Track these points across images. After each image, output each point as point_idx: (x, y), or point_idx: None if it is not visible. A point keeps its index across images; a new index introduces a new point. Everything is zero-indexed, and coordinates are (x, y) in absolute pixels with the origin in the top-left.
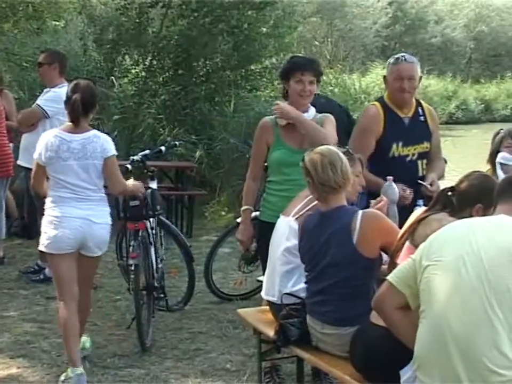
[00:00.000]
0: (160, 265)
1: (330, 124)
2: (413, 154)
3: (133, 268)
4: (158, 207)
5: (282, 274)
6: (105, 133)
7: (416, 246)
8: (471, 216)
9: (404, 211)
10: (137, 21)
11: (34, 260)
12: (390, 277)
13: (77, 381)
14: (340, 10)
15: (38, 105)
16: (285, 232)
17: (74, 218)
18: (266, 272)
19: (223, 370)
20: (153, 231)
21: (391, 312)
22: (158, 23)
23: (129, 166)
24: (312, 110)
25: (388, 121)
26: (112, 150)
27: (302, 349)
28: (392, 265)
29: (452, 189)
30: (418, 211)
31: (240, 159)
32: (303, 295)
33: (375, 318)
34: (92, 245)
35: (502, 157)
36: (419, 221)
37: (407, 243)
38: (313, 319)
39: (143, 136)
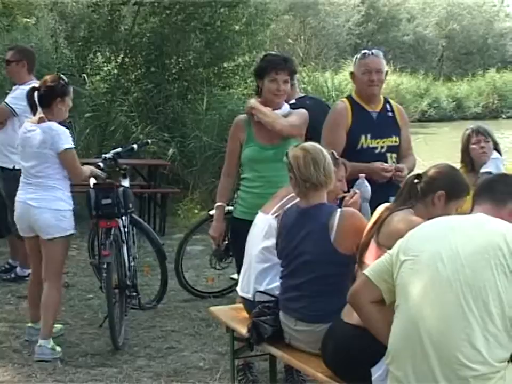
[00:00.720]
0: (132, 264)
1: (294, 114)
2: (382, 147)
3: (105, 266)
4: (130, 205)
5: (259, 272)
6: (78, 131)
7: (380, 245)
8: (432, 203)
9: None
10: (109, 18)
11: (5, 258)
12: (366, 271)
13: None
14: (312, 8)
15: (6, 103)
16: (264, 230)
17: (18, 202)
18: (242, 269)
19: (196, 369)
20: (126, 229)
21: (366, 306)
22: (130, 20)
23: (101, 164)
24: (285, 106)
25: (356, 115)
26: (64, 144)
27: (274, 347)
28: (360, 264)
29: (418, 176)
30: (381, 207)
31: (213, 157)
32: (277, 293)
33: (346, 316)
34: (37, 228)
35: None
36: (384, 219)
37: (372, 241)
38: (286, 315)
39: (115, 134)
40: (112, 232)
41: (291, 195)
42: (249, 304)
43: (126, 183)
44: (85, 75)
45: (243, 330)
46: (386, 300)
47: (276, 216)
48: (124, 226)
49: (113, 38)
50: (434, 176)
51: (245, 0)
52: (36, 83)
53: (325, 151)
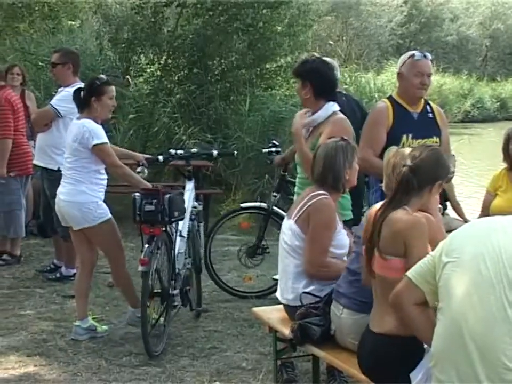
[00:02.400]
0: (183, 271)
1: (330, 129)
2: None
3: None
4: (176, 213)
5: (294, 276)
6: (122, 132)
7: (382, 252)
8: (430, 194)
9: None
10: (152, 20)
11: (50, 258)
12: (408, 273)
13: None
14: (354, 8)
15: (51, 105)
16: (289, 235)
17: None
18: (279, 274)
19: (239, 369)
20: (178, 236)
21: (409, 308)
22: (173, 22)
23: (160, 157)
24: (324, 111)
25: (397, 115)
26: (94, 140)
27: (317, 347)
28: (370, 271)
29: (410, 169)
30: (373, 209)
31: (255, 158)
32: (318, 294)
33: (375, 326)
34: (68, 221)
35: None
36: (380, 223)
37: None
38: (335, 302)
39: (158, 135)
40: (155, 239)
41: (310, 195)
42: (290, 309)
43: (190, 185)
44: (128, 77)
45: (286, 330)
46: (430, 302)
47: (296, 221)
48: (173, 234)
49: (156, 39)
50: (426, 167)
51: (287, 1)
52: (80, 85)
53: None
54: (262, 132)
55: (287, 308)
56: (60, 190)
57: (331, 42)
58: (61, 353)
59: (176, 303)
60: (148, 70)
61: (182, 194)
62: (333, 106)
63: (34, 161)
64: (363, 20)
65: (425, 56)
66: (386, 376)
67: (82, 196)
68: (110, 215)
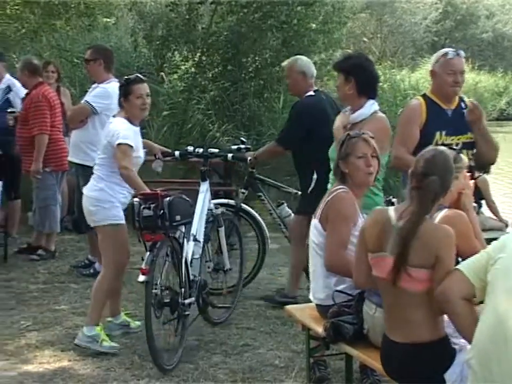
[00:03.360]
0: (197, 279)
1: (371, 129)
2: (457, 144)
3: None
4: (178, 217)
5: (325, 275)
6: (156, 128)
7: (414, 265)
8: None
9: None
10: (186, 17)
11: (85, 254)
12: (461, 267)
13: None
14: (389, 5)
15: (87, 101)
16: (315, 234)
17: None
18: (310, 274)
19: (271, 366)
20: (192, 240)
21: (457, 302)
22: (207, 19)
23: (176, 153)
24: (366, 109)
25: (430, 112)
26: (119, 139)
27: (351, 346)
28: (392, 282)
29: (437, 179)
30: (378, 215)
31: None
32: (350, 292)
33: (394, 334)
34: (86, 216)
35: None
36: (413, 233)
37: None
38: (368, 302)
39: (192, 132)
40: (157, 246)
41: (330, 191)
42: (322, 308)
43: (204, 186)
44: (163, 74)
45: (319, 329)
46: (479, 297)
47: (319, 219)
48: (183, 238)
49: (190, 36)
50: (448, 175)
51: None
52: (115, 81)
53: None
54: None
55: (320, 307)
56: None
57: (365, 39)
58: None
59: (188, 313)
60: (182, 67)
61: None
62: (374, 105)
63: (69, 158)
64: (398, 17)
65: (458, 54)
66: (420, 381)
67: (100, 193)
68: (123, 222)
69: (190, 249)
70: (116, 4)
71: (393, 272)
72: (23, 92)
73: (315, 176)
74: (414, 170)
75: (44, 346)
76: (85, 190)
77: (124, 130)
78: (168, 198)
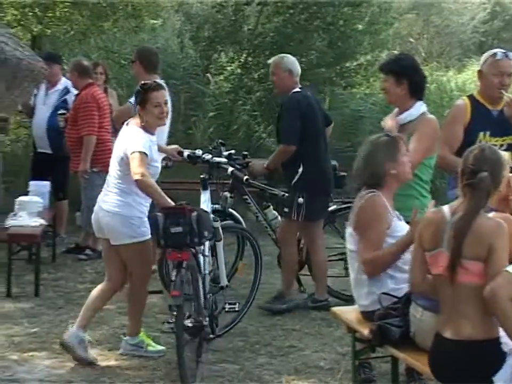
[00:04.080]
0: (210, 294)
1: (421, 130)
2: (501, 145)
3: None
4: (206, 233)
5: (367, 281)
6: (201, 129)
7: (467, 257)
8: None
9: None
10: (233, 18)
11: None
12: (510, 269)
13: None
14: (436, 6)
15: (131, 102)
16: (350, 241)
17: (97, 202)
18: (351, 282)
19: (317, 368)
20: (207, 258)
21: (505, 303)
22: (253, 20)
23: (185, 154)
24: (415, 109)
25: (475, 112)
26: (132, 147)
27: (397, 349)
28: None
29: (488, 175)
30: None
31: (335, 157)
32: (395, 294)
33: (450, 333)
34: (106, 233)
35: None
36: (467, 229)
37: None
38: (415, 305)
39: (238, 132)
40: (184, 265)
41: (358, 196)
42: (367, 315)
43: (205, 195)
44: (208, 75)
45: (365, 331)
46: None
47: (354, 227)
48: (203, 255)
49: (236, 37)
50: (499, 171)
51: None
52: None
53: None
54: (341, 131)
55: (365, 314)
56: (102, 198)
57: (412, 40)
58: None
59: (212, 336)
60: (228, 68)
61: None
62: (423, 106)
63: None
64: (445, 17)
65: (507, 56)
66: (468, 382)
67: (128, 209)
68: (150, 235)
69: (206, 266)
70: (163, 6)
71: (449, 266)
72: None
73: (301, 169)
74: (464, 167)
75: (91, 345)
76: (107, 205)
77: (137, 139)
78: (195, 213)
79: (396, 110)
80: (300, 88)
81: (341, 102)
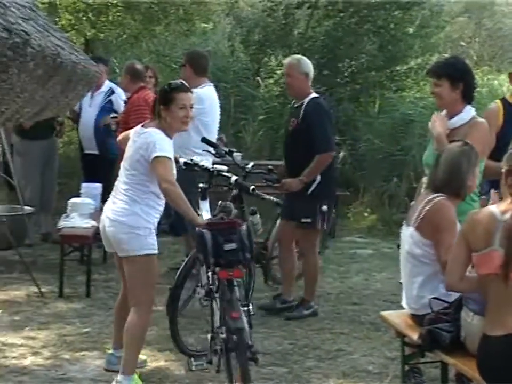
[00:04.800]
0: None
1: (475, 134)
2: None
3: (232, 334)
4: (254, 246)
5: (418, 285)
6: (251, 132)
7: None
8: None
9: None
10: (283, 22)
11: (181, 256)
12: None
13: None
14: (488, 9)
15: None
16: (409, 242)
17: (103, 211)
18: (403, 283)
19: (365, 372)
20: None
21: None
22: (303, 23)
23: (181, 161)
24: (466, 114)
25: (508, 116)
26: (156, 152)
27: (447, 354)
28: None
29: None
30: (485, 210)
31: (384, 160)
32: (446, 299)
33: (491, 329)
34: (112, 244)
35: None
36: None
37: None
38: (466, 309)
39: None
40: (235, 284)
41: (427, 199)
42: (417, 318)
43: (205, 205)
44: (258, 78)
45: (414, 336)
46: None
47: (416, 228)
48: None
49: (287, 41)
50: None
51: (420, 2)
52: (209, 85)
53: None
54: (392, 134)
55: (415, 317)
56: (109, 205)
57: (463, 43)
58: (190, 348)
59: (256, 357)
60: (278, 72)
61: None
62: (472, 110)
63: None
64: (497, 20)
65: None
66: None
67: (135, 218)
68: (157, 251)
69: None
70: (214, 10)
71: (504, 264)
72: (123, 96)
73: (318, 178)
74: (509, 168)
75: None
76: (113, 214)
77: (160, 141)
78: (244, 226)
79: (444, 112)
80: (316, 93)
81: (391, 106)
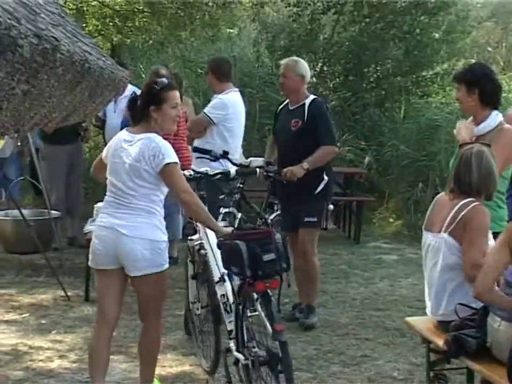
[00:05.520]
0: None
1: (500, 141)
2: None
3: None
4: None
5: (449, 292)
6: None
7: None
8: None
9: None
10: (309, 27)
11: None
12: None
13: None
14: None
15: (204, 112)
16: (440, 249)
17: (103, 227)
18: (426, 291)
19: (390, 378)
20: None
21: None
22: (329, 29)
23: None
24: (492, 120)
25: None
26: (166, 158)
27: (473, 361)
28: None
29: None
30: None
31: (410, 166)
32: (473, 305)
33: None
34: (126, 263)
35: None
36: None
37: None
38: (493, 315)
39: None
40: (268, 295)
41: (461, 203)
42: (443, 325)
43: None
44: None
45: (440, 342)
46: None
47: (450, 232)
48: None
49: (312, 46)
50: None
51: (446, 7)
52: (233, 91)
53: None
54: (417, 140)
55: (442, 323)
56: (118, 221)
57: (489, 48)
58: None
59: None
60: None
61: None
62: (499, 116)
63: (192, 166)
64: None
65: None
66: None
67: (157, 232)
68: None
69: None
70: (239, 15)
71: None
72: None
73: (325, 176)
74: None
75: (166, 350)
76: (128, 230)
77: (167, 147)
78: (277, 235)
79: (470, 119)
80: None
81: (416, 111)
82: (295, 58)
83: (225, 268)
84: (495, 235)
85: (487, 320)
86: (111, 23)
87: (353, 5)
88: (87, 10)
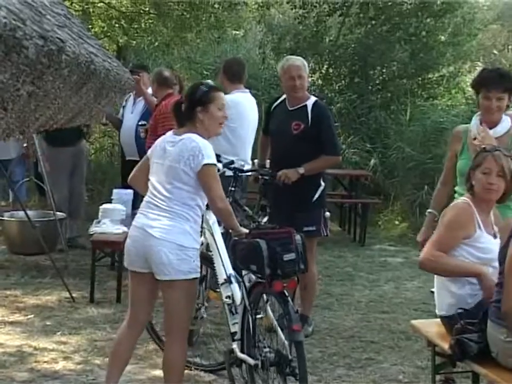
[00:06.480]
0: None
1: None
2: None
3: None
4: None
5: (447, 287)
6: None
7: None
8: None
9: None
10: (314, 29)
11: None
12: None
13: None
14: None
15: None
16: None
17: (135, 227)
18: (435, 288)
19: (395, 381)
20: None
21: None
22: (335, 31)
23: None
24: (505, 122)
25: None
26: (204, 159)
27: (479, 364)
28: None
29: None
30: None
31: (415, 168)
32: (470, 300)
33: None
34: (153, 266)
35: None
36: None
37: None
38: (496, 326)
39: None
40: (286, 295)
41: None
42: (447, 320)
43: (211, 217)
44: None
45: (445, 345)
46: None
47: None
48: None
49: (318, 49)
50: None
51: (452, 9)
52: (239, 92)
53: None
54: (423, 142)
55: (445, 319)
56: (149, 222)
57: (495, 51)
58: (220, 356)
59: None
60: (309, 79)
61: None
62: (508, 118)
63: None
64: None
65: None
66: None
67: (187, 238)
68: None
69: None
70: (245, 17)
71: None
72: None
73: (323, 184)
74: None
75: None
76: (158, 232)
77: (206, 147)
78: (298, 236)
79: (477, 120)
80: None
81: (422, 114)
82: (295, 57)
83: (243, 267)
84: None
85: (486, 325)
86: (117, 25)
87: (359, 7)
88: (93, 11)
